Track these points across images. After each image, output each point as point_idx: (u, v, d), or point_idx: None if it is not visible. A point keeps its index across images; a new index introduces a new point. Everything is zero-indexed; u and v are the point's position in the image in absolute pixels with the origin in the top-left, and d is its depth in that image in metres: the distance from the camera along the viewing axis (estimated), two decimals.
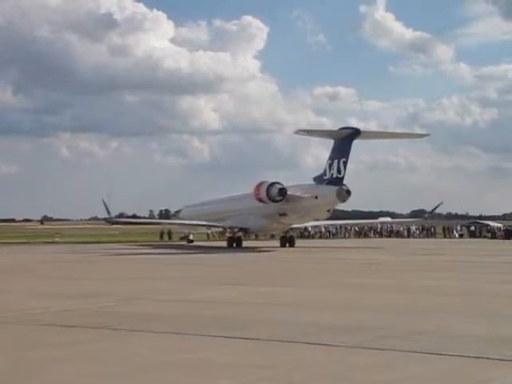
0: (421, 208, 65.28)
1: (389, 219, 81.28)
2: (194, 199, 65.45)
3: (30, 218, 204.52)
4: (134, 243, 62.25)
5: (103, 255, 39.00)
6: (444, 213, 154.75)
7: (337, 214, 58.11)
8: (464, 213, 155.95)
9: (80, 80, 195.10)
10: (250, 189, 50.45)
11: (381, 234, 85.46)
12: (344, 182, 45.60)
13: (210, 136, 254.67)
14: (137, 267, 28.42)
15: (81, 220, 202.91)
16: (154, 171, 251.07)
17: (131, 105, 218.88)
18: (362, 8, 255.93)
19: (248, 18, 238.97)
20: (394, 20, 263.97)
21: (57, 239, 67.33)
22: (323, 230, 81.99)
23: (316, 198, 46.14)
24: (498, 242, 63.96)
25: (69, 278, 22.26)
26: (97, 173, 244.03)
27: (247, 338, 9.52)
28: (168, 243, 65.76)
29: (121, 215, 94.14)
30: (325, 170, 46.96)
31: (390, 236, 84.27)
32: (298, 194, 47.61)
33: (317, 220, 54.79)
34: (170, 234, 74.49)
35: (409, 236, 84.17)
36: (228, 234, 55.78)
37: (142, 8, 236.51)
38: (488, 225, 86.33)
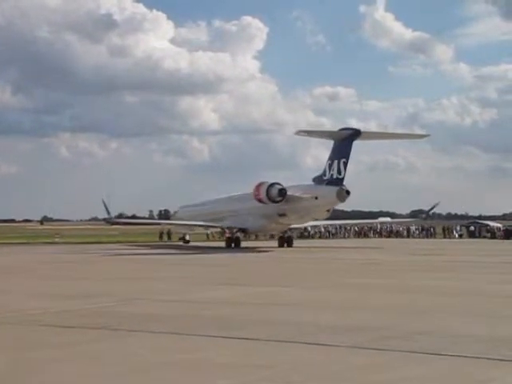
0: (420, 208, 65.29)
1: (388, 219, 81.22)
2: (194, 199, 65.43)
3: (30, 218, 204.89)
4: (134, 243, 62.24)
5: (103, 255, 39.01)
6: (444, 213, 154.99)
7: (336, 214, 58.15)
8: (464, 213, 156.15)
9: (80, 80, 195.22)
10: (249, 189, 50.46)
11: (380, 234, 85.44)
12: (344, 182, 45.66)
13: (209, 136, 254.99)
14: (136, 267, 28.43)
15: (81, 220, 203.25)
16: (153, 171, 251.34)
17: (131, 105, 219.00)
18: (362, 8, 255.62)
19: (248, 19, 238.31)
20: (394, 20, 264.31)
21: (57, 239, 67.29)
22: (323, 230, 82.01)
23: (316, 198, 46.19)
24: (497, 242, 63.97)
25: (68, 279, 22.26)
26: (97, 173, 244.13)
27: (246, 338, 9.53)
28: (167, 243, 65.75)
29: (120, 215, 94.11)
30: (324, 171, 46.99)
31: (389, 236, 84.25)
32: (297, 194, 47.65)
33: (316, 220, 54.83)
34: (169, 234, 74.44)
35: (408, 236, 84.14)
36: (227, 235, 55.77)
37: (141, 8, 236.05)
38: (488, 225, 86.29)
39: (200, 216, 56.80)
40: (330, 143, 47.69)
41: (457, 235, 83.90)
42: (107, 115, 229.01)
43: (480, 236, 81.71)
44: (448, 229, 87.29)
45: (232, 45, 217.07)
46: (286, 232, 52.95)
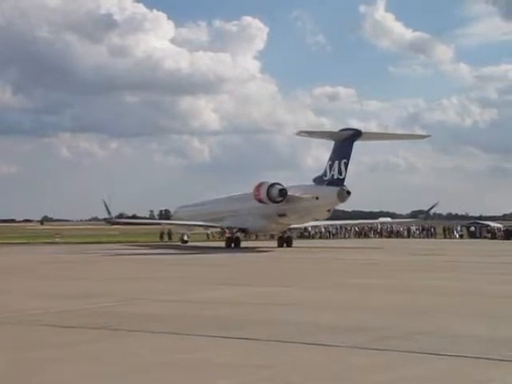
0: (421, 208, 65.23)
1: (389, 220, 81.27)
2: (194, 199, 65.42)
3: (30, 218, 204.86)
4: (134, 244, 62.26)
5: (103, 255, 39.01)
6: (444, 213, 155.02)
7: (337, 215, 58.15)
8: (464, 213, 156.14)
9: (80, 80, 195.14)
10: (250, 189, 50.47)
11: (381, 235, 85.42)
12: (344, 182, 45.69)
13: (210, 136, 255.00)
14: (136, 267, 28.44)
15: (81, 220, 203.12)
16: (154, 171, 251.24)
17: (131, 105, 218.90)
18: (362, 8, 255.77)
19: (248, 19, 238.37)
20: (394, 20, 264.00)
21: (57, 240, 67.27)
22: (323, 230, 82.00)
23: (317, 198, 46.23)
24: (498, 243, 63.95)
25: (69, 279, 22.26)
26: (97, 173, 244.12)
27: (246, 339, 9.53)
28: (168, 243, 65.76)
29: (121, 215, 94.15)
30: (325, 171, 47.02)
31: (390, 236, 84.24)
32: (297, 194, 47.68)
33: (317, 220, 54.85)
34: (169, 234, 74.43)
35: (409, 236, 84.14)
36: (227, 235, 55.76)
37: (141, 8, 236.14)
38: (488, 225, 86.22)
39: (199, 216, 56.73)
40: (331, 143, 47.72)
41: (457, 235, 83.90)
42: (107, 115, 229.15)
43: (480, 236, 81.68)
44: (448, 229, 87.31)
45: (232, 45, 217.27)
46: (285, 232, 52.98)
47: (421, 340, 9.31)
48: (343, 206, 50.62)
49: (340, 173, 45.55)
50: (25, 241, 68.32)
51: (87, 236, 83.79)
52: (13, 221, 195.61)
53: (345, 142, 45.85)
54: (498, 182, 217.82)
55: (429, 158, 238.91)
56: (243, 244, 52.22)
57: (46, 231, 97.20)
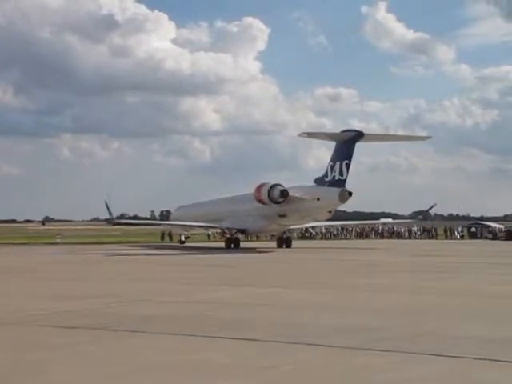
0: (422, 209, 65.24)
1: (390, 220, 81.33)
2: (195, 200, 65.40)
3: (32, 218, 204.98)
4: (135, 244, 62.27)
5: (104, 256, 39.02)
6: (445, 214, 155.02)
7: (338, 215, 58.13)
8: (465, 214, 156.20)
9: (81, 81, 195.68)
10: (251, 190, 50.46)
11: (382, 235, 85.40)
12: (346, 183, 45.70)
13: (211, 137, 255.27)
14: (137, 268, 28.43)
15: (82, 221, 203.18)
16: (155, 172, 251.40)
17: (132, 106, 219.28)
18: (363, 9, 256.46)
19: (249, 19, 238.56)
20: (395, 21, 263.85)
21: (58, 240, 67.28)
22: (324, 230, 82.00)
23: (318, 199, 46.25)
24: (499, 244, 63.92)
25: (69, 279, 22.27)
26: (98, 174, 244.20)
27: (248, 339, 9.52)
28: (168, 244, 65.76)
29: (122, 216, 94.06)
30: (326, 172, 47.03)
31: (391, 237, 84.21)
32: (298, 195, 47.68)
33: (317, 221, 54.85)
34: (170, 235, 74.45)
35: (410, 237, 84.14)
36: (226, 235, 55.81)
37: (143, 9, 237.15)
38: (489, 226, 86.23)
39: (198, 216, 56.62)
40: (332, 144, 47.73)
41: (458, 236, 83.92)
42: (108, 116, 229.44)
43: (482, 237, 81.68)
44: (450, 230, 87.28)
45: (233, 46, 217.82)
46: (284, 233, 52.98)
47: (422, 341, 9.31)
48: (344, 207, 50.63)
49: (341, 174, 45.58)
50: (26, 241, 68.36)
51: (88, 236, 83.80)
52: (14, 221, 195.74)
53: (346, 144, 45.89)
54: (499, 183, 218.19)
55: (430, 158, 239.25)
56: (243, 244, 52.22)
57: (47, 232, 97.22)
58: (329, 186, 46.02)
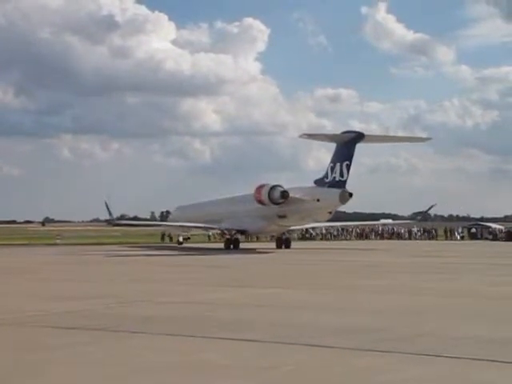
0: (422, 210, 65.40)
1: (390, 221, 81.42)
2: (195, 201, 65.36)
3: (32, 219, 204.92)
4: (135, 245, 62.28)
5: (104, 257, 39.03)
6: (445, 215, 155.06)
7: (338, 216, 58.17)
8: (465, 214, 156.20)
9: (81, 81, 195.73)
10: (251, 191, 50.46)
11: (382, 236, 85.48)
12: (346, 185, 45.73)
13: (211, 138, 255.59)
14: (137, 269, 28.44)
15: (82, 222, 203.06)
16: (155, 173, 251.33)
17: (132, 106, 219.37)
18: (364, 9, 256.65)
19: (249, 20, 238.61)
20: (395, 22, 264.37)
21: (58, 241, 67.28)
22: (324, 231, 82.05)
23: (318, 200, 46.28)
24: (499, 244, 63.92)
25: (69, 280, 22.26)
26: (98, 174, 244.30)
27: (248, 340, 9.51)
28: (168, 245, 65.77)
29: (122, 217, 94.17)
30: (326, 173, 47.05)
31: (391, 238, 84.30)
32: (298, 196, 47.70)
33: (317, 222, 54.89)
34: (170, 235, 74.49)
35: (410, 238, 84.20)
36: (226, 236, 55.87)
37: (143, 10, 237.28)
38: (489, 227, 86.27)
39: (197, 217, 56.56)
40: (332, 145, 47.75)
41: (458, 237, 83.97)
42: (108, 116, 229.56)
43: (482, 238, 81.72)
44: (450, 230, 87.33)
45: (234, 46, 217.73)
46: (283, 233, 52.98)
47: (421, 341, 9.31)
48: (344, 208, 50.67)
49: (342, 175, 45.62)
50: (26, 242, 68.38)
51: (88, 237, 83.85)
52: (14, 222, 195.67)
53: (347, 145, 45.93)
54: (500, 184, 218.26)
55: (430, 159, 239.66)
56: (243, 245, 52.23)
57: (47, 232, 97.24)
58: (329, 187, 46.06)
